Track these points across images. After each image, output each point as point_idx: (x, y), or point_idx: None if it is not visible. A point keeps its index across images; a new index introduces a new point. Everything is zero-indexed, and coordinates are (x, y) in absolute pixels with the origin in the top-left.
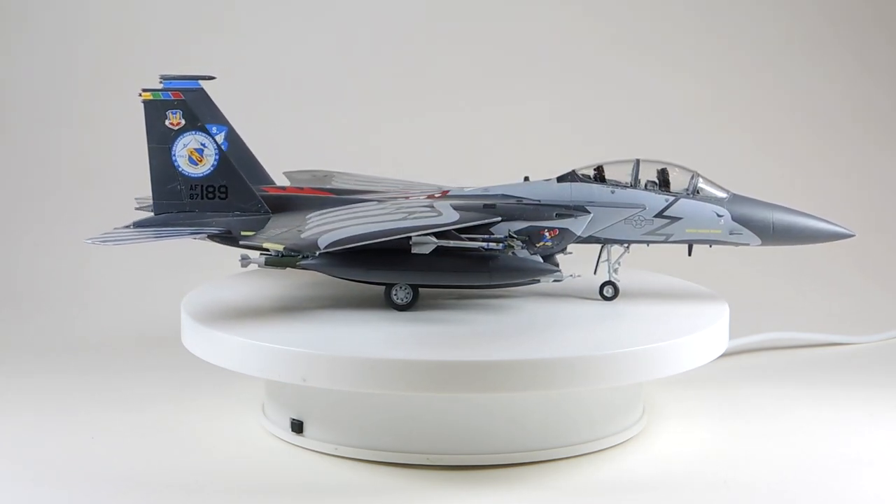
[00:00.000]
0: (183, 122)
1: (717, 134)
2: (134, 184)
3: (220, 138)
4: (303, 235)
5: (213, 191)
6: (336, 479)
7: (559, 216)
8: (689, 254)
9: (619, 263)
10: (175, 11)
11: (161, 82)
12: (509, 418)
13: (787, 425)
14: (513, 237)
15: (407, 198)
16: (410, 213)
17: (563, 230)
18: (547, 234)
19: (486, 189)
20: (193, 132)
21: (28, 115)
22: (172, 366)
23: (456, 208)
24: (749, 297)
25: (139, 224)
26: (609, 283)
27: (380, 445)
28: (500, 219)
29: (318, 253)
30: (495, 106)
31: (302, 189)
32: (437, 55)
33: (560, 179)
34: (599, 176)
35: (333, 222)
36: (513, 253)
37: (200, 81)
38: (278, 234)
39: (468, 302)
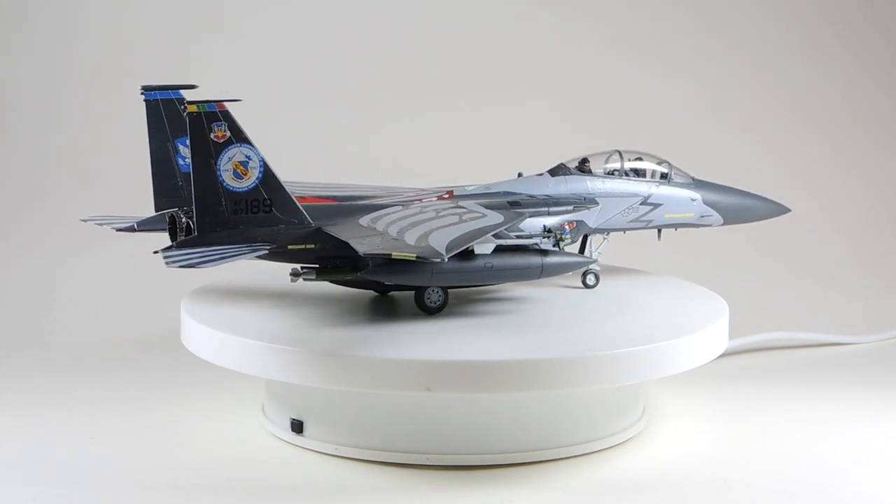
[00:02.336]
0: (228, 134)
1: (717, 134)
2: (134, 184)
3: None
4: (409, 242)
5: (257, 204)
6: (336, 479)
7: (576, 208)
8: (659, 238)
9: (600, 252)
10: (173, 12)
11: (142, 93)
12: (509, 418)
13: (787, 425)
14: (550, 231)
15: (421, 200)
16: (462, 213)
17: (579, 222)
18: (567, 227)
19: (487, 187)
20: (238, 144)
21: (28, 115)
22: (172, 366)
23: (487, 207)
24: (749, 297)
25: (183, 244)
26: (590, 271)
27: (380, 445)
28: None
29: (447, 258)
30: (493, 105)
31: (304, 198)
32: (434, 56)
33: (552, 174)
34: (586, 168)
35: (415, 227)
36: (562, 246)
37: (182, 91)
38: (381, 243)
39: (468, 302)
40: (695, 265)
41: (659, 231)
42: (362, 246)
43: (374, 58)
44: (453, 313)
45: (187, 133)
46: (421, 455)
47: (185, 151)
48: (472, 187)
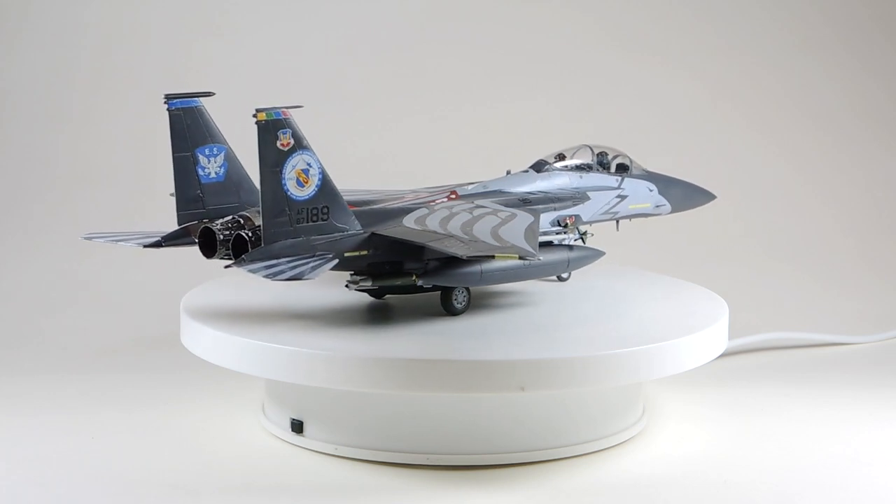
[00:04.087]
0: (292, 141)
1: (717, 133)
2: (134, 184)
3: (219, 160)
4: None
5: (316, 212)
6: (336, 479)
7: (574, 203)
8: (617, 229)
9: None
10: (173, 12)
11: (166, 102)
12: (509, 418)
13: (787, 425)
14: (566, 226)
15: (434, 201)
16: (496, 212)
17: (577, 217)
18: (569, 221)
19: (485, 186)
20: (300, 152)
21: (27, 114)
22: (172, 366)
23: (505, 206)
24: (749, 297)
25: (255, 257)
26: None
27: (380, 445)
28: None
29: (538, 258)
30: (481, 105)
31: None
32: (422, 57)
33: (537, 170)
34: (565, 163)
35: (472, 227)
36: (584, 240)
37: (200, 99)
38: (472, 245)
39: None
40: (695, 265)
41: (617, 222)
42: (464, 249)
43: (365, 59)
44: (451, 315)
45: (207, 142)
46: (421, 455)
47: (204, 161)
48: (471, 186)
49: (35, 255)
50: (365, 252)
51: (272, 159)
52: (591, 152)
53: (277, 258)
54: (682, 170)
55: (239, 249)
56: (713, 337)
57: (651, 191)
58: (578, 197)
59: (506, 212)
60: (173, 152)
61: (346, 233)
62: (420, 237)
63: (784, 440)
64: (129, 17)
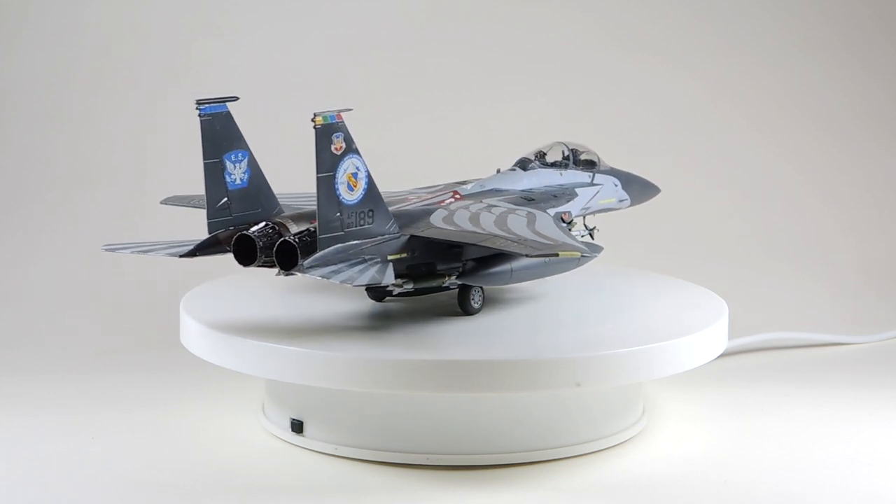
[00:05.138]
0: (344, 145)
1: (717, 133)
2: (134, 184)
3: (243, 166)
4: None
5: (363, 216)
6: (336, 479)
7: (567, 200)
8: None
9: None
10: (172, 13)
11: (198, 107)
12: (509, 418)
13: (787, 425)
14: (570, 222)
15: (442, 202)
16: (510, 210)
17: (569, 212)
18: (564, 217)
19: (482, 185)
20: (350, 155)
21: (27, 114)
22: (172, 366)
23: (512, 203)
24: (749, 297)
25: (313, 265)
26: None
27: (380, 445)
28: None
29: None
30: (491, 105)
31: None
32: (428, 57)
33: (523, 168)
34: (546, 160)
35: (509, 226)
36: (592, 236)
37: (227, 104)
38: (527, 244)
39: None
40: (695, 265)
41: (584, 217)
42: (527, 248)
43: (365, 59)
44: (453, 314)
45: (233, 147)
46: (421, 455)
47: (231, 168)
48: (469, 185)
49: (35, 255)
50: (405, 254)
51: (327, 164)
52: (565, 149)
53: (335, 263)
54: (683, 169)
55: (284, 256)
56: (713, 337)
57: (616, 186)
58: (569, 194)
59: (522, 210)
60: (204, 159)
61: (388, 236)
62: (469, 238)
63: (784, 440)
64: (129, 17)
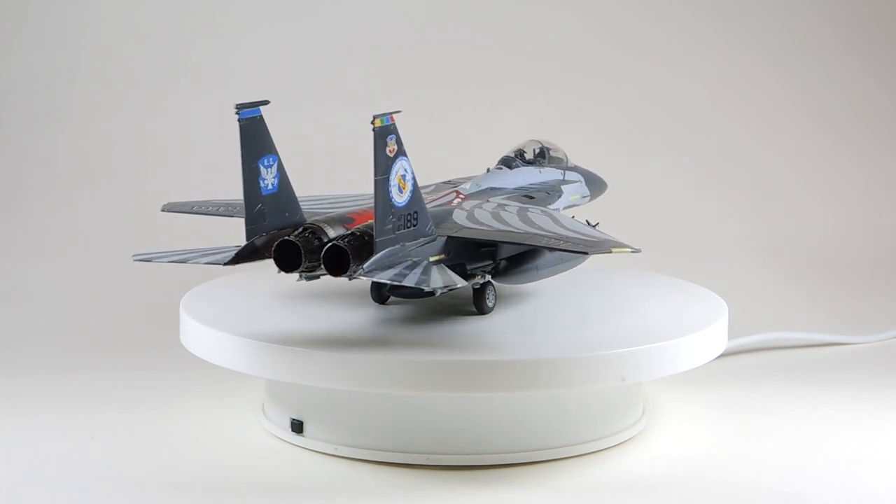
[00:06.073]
0: (396, 147)
1: (717, 133)
2: (134, 184)
3: (273, 170)
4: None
5: (409, 219)
6: (336, 479)
7: (558, 197)
8: None
9: None
10: (172, 13)
11: (237, 112)
12: (509, 418)
13: (787, 425)
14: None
15: (451, 203)
16: (525, 209)
17: (558, 209)
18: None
19: (478, 185)
20: (401, 158)
21: (28, 114)
22: (172, 366)
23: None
24: (749, 297)
25: (370, 270)
26: None
27: (380, 445)
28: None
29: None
30: (491, 105)
31: (357, 214)
32: (429, 57)
33: (509, 167)
34: (526, 159)
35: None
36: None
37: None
38: (576, 242)
39: (467, 302)
40: (695, 265)
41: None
42: (582, 247)
43: (365, 59)
44: (452, 314)
45: (265, 152)
46: (421, 455)
47: (264, 172)
48: (467, 185)
49: (35, 255)
50: (443, 256)
51: (383, 166)
52: (540, 147)
53: (390, 267)
54: (683, 169)
55: (332, 260)
56: (713, 337)
57: (581, 182)
58: (557, 191)
59: (535, 209)
60: (242, 164)
61: (428, 238)
62: (511, 237)
63: (784, 440)
64: (129, 17)
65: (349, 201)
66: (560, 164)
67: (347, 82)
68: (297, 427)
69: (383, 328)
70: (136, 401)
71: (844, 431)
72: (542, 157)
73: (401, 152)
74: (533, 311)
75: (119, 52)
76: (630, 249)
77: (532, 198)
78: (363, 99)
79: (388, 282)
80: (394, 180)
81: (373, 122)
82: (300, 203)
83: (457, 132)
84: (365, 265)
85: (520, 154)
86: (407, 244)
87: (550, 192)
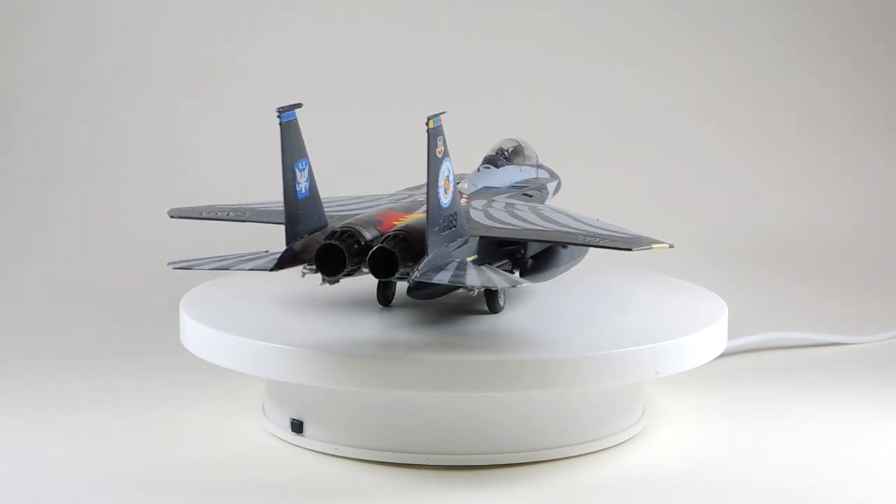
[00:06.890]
0: (444, 148)
1: (717, 133)
2: (134, 184)
3: (305, 174)
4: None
5: (450, 220)
6: (336, 479)
7: (547, 195)
8: None
9: None
10: (172, 14)
11: (279, 115)
12: (510, 418)
13: (787, 425)
14: None
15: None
16: (534, 207)
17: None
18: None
19: (474, 184)
20: (446, 159)
21: (30, 114)
22: (172, 366)
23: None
24: (749, 297)
25: (425, 272)
26: None
27: (380, 445)
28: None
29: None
30: (491, 105)
31: (384, 215)
32: (429, 57)
33: (496, 165)
34: (510, 157)
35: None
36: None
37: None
38: (613, 239)
39: (467, 302)
40: (695, 265)
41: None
42: (623, 244)
43: (365, 58)
44: (451, 313)
45: (299, 155)
46: (421, 455)
47: (299, 176)
48: (466, 184)
49: (35, 255)
50: (476, 256)
51: (435, 168)
52: (516, 145)
53: (440, 268)
54: (683, 169)
55: (378, 263)
56: (713, 337)
57: (554, 180)
58: (544, 188)
59: (545, 207)
60: (284, 169)
61: (463, 238)
62: (545, 236)
63: (784, 440)
64: (129, 17)
65: (361, 203)
66: (532, 161)
67: (347, 82)
68: (297, 427)
69: (384, 328)
70: (136, 401)
71: (845, 431)
72: (519, 154)
73: (446, 153)
74: (533, 311)
75: (119, 51)
76: (667, 245)
77: (530, 196)
78: (363, 99)
79: (448, 283)
80: (441, 181)
81: (427, 124)
82: (328, 203)
83: (457, 132)
84: (419, 267)
85: (501, 152)
86: (449, 245)
87: (542, 190)
